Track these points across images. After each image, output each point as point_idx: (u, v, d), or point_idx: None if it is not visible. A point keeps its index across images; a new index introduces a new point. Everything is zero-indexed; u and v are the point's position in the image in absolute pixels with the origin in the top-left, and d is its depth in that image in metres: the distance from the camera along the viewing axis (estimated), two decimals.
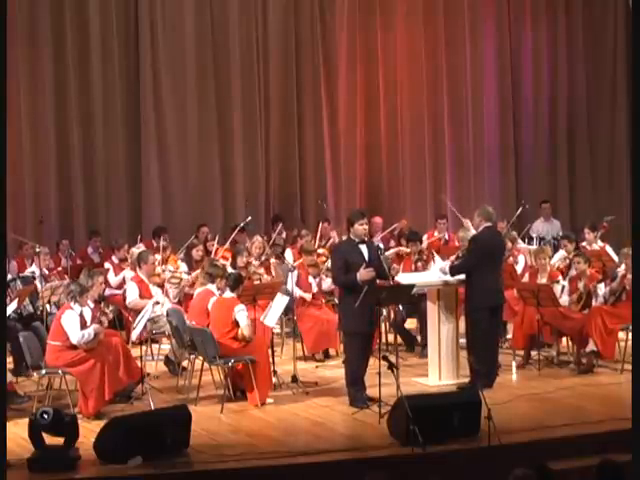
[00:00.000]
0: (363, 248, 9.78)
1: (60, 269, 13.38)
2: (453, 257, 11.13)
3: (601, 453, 7.85)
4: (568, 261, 12.49)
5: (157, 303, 11.39)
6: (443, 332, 10.53)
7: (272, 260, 13.36)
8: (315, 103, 17.10)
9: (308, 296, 12.06)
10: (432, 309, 10.66)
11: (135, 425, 8.42)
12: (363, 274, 9.55)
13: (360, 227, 9.82)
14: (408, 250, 13.04)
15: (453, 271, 10.41)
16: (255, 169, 16.70)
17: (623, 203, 17.41)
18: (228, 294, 10.25)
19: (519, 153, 18.36)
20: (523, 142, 18.36)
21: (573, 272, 11.81)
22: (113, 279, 12.97)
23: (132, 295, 11.79)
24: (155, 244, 14.21)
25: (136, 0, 15.95)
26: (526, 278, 12.16)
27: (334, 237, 14.66)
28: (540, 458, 7.29)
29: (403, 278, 10.75)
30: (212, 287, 10.72)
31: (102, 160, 15.79)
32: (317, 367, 11.64)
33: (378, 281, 9.91)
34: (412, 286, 10.29)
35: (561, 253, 13.06)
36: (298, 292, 11.94)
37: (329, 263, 11.93)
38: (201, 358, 10.17)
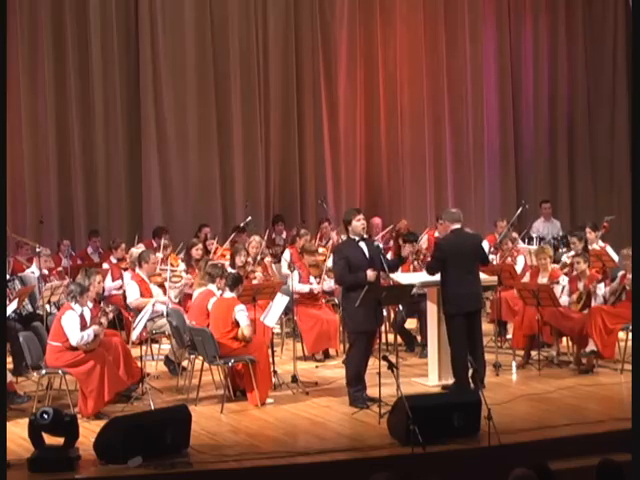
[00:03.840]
0: (363, 246, 9.77)
1: (60, 269, 13.37)
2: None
3: (601, 453, 7.83)
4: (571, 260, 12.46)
5: (163, 303, 11.39)
6: (443, 332, 10.49)
7: (267, 260, 13.29)
8: (315, 103, 17.09)
9: (315, 287, 12.03)
10: (432, 309, 10.65)
11: (135, 425, 8.41)
12: (370, 274, 9.56)
13: (358, 223, 9.80)
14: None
15: (428, 272, 10.39)
16: (255, 169, 16.69)
17: (623, 203, 17.41)
18: (228, 294, 10.23)
19: (519, 153, 18.36)
20: (523, 142, 18.37)
21: (573, 272, 11.80)
22: (109, 283, 12.77)
23: (133, 295, 11.77)
24: (155, 244, 14.21)
25: (136, 0, 15.97)
26: (527, 278, 12.15)
27: (334, 237, 14.64)
28: (540, 458, 7.28)
29: (403, 278, 10.76)
30: (212, 287, 10.71)
31: (102, 160, 15.80)
32: (317, 367, 11.63)
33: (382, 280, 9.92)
34: (412, 286, 10.29)
35: (571, 253, 12.98)
36: (302, 288, 11.91)
37: (329, 263, 11.92)
38: (201, 358, 10.16)
